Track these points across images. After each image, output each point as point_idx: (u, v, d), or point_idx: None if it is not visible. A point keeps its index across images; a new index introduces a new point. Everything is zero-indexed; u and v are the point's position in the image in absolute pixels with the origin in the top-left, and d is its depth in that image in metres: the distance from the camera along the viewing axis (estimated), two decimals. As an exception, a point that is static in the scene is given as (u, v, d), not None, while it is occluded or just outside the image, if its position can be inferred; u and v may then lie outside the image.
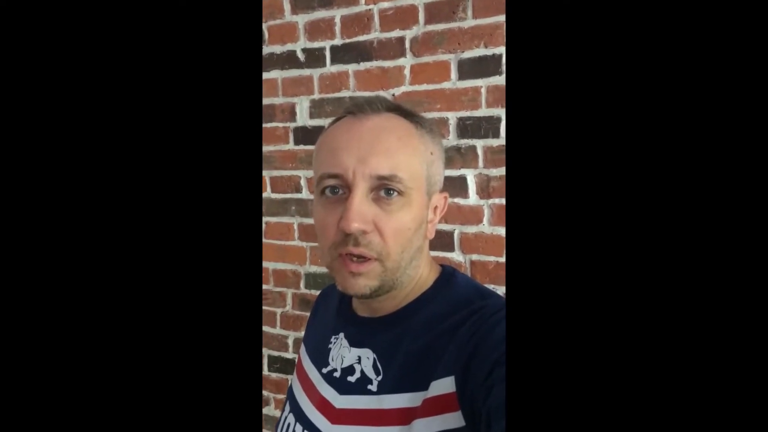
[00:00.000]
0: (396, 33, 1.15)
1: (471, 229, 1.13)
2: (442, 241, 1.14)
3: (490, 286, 1.09)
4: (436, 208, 0.55)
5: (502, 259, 1.10)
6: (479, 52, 1.07)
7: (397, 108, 0.54)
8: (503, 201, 1.09)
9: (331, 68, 1.23)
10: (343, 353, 0.56)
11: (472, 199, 1.12)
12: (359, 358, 0.54)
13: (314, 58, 1.25)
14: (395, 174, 0.48)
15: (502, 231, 1.10)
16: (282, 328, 1.38)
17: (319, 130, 1.26)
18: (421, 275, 0.55)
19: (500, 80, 1.06)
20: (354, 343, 0.56)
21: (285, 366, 1.39)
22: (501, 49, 1.06)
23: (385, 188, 0.49)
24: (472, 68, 1.09)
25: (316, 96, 1.26)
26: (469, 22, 1.08)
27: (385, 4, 1.15)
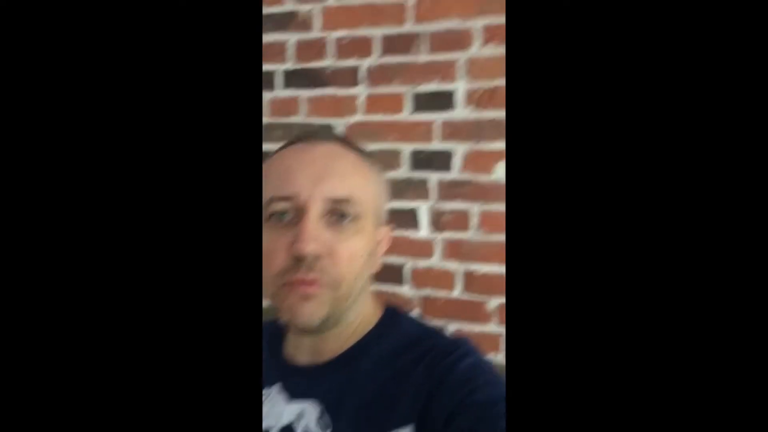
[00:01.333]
0: (351, 62, 1.14)
1: (422, 263, 1.10)
2: (391, 275, 1.11)
3: (442, 322, 1.08)
4: (380, 241, 0.54)
5: (454, 294, 1.08)
6: (434, 87, 1.08)
7: (344, 140, 0.54)
8: (455, 235, 1.08)
9: (282, 92, 1.20)
10: (278, 409, 0.50)
11: (424, 232, 1.10)
12: (301, 414, 0.48)
13: (265, 81, 1.21)
14: (350, 197, 0.47)
15: (452, 266, 1.08)
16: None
17: (268, 154, 1.21)
18: (366, 312, 0.52)
19: (454, 115, 1.07)
20: (294, 395, 0.50)
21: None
22: (456, 85, 1.07)
23: (338, 212, 0.47)
24: (426, 102, 1.09)
25: (266, 120, 1.21)
26: (425, 57, 1.09)
27: (341, 33, 1.15)
